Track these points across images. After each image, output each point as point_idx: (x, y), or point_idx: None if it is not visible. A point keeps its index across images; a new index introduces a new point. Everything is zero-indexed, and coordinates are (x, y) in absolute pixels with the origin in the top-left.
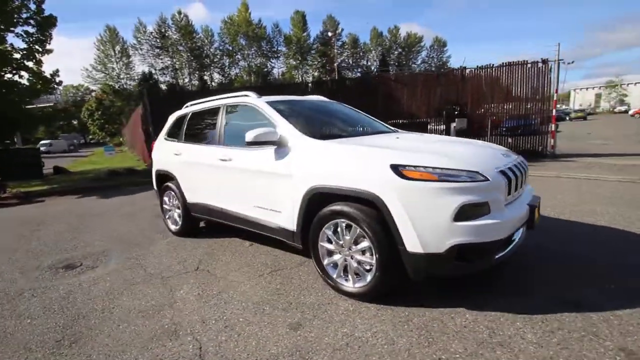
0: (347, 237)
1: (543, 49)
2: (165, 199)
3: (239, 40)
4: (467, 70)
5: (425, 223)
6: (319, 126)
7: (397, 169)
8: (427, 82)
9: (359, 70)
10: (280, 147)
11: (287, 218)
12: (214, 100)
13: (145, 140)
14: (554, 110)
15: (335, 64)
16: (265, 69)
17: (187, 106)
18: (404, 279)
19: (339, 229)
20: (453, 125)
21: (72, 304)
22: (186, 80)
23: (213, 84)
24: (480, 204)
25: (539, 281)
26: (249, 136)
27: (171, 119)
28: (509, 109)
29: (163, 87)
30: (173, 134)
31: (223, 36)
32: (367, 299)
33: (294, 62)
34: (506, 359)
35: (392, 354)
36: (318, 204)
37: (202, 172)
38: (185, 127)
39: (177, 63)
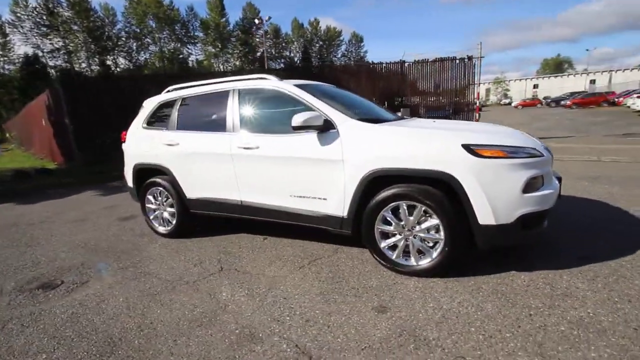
0: (411, 218)
1: (442, 48)
2: (150, 197)
3: (148, 22)
4: (406, 64)
5: (498, 196)
6: (357, 110)
7: (469, 148)
8: (371, 73)
9: (282, 61)
10: (324, 131)
11: (335, 205)
12: (212, 84)
13: (55, 134)
14: (477, 101)
15: (263, 52)
16: (181, 56)
17: (168, 91)
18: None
19: (400, 210)
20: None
21: (90, 327)
22: (83, 65)
23: (118, 69)
24: (540, 176)
25: (552, 244)
26: (297, 120)
27: (150, 105)
28: (440, 99)
29: (53, 72)
30: (157, 122)
31: (128, 16)
32: (429, 275)
33: (214, 50)
34: (579, 305)
35: (489, 318)
36: (375, 188)
37: (213, 163)
38: (178, 114)
39: (71, 45)
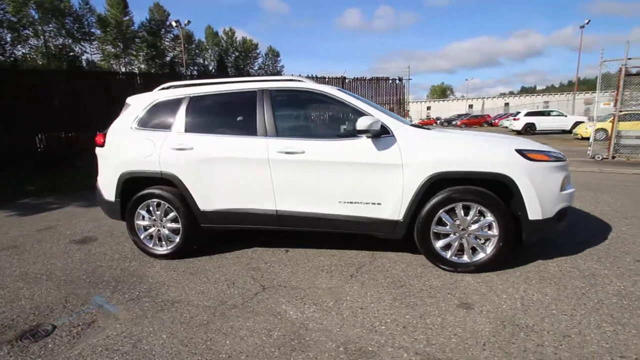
0: (468, 218)
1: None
2: (142, 212)
3: (29, 11)
4: (347, 80)
5: (544, 195)
6: (392, 115)
7: (522, 152)
8: None
9: (196, 68)
10: (378, 136)
11: (391, 209)
12: (226, 83)
13: None
14: (408, 118)
15: (174, 57)
16: (72, 53)
17: (163, 88)
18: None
19: (456, 211)
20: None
21: None
22: None
23: None
24: (567, 177)
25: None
26: (363, 124)
27: (140, 103)
28: None
29: None
30: (155, 124)
31: (1, 3)
32: (484, 269)
33: (114, 50)
34: (609, 281)
35: (559, 301)
36: (431, 191)
37: (242, 169)
38: (187, 115)
39: None
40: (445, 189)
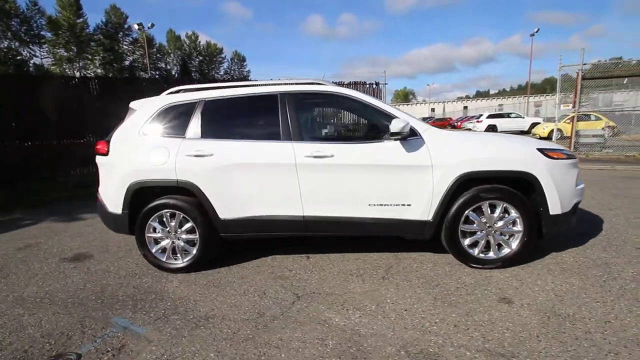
0: (494, 215)
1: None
2: (155, 224)
3: None
4: None
5: (563, 190)
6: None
7: (543, 151)
8: None
9: (158, 73)
10: (406, 138)
11: (421, 209)
12: (242, 86)
13: None
14: None
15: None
16: (19, 57)
17: (170, 92)
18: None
19: (483, 208)
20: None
21: None
22: None
23: None
24: (579, 173)
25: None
26: (396, 127)
27: (148, 108)
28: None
29: None
30: (167, 129)
31: None
32: (509, 264)
33: (67, 53)
34: (621, 268)
35: (586, 290)
36: (459, 190)
37: (267, 175)
38: (203, 120)
39: None
40: (472, 188)
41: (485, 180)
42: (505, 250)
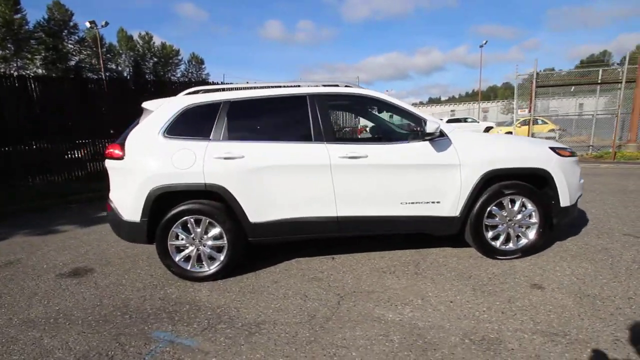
0: (515, 208)
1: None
2: (178, 232)
3: None
4: None
5: (571, 184)
6: None
7: (554, 149)
8: None
9: (108, 74)
10: (436, 138)
11: (450, 206)
12: (266, 87)
13: None
14: (358, 124)
15: (100, 59)
16: None
17: (189, 93)
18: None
19: (504, 203)
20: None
21: None
22: None
23: None
24: (580, 170)
25: None
26: (431, 128)
27: (167, 108)
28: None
29: None
30: (189, 131)
31: None
32: (527, 254)
33: (1, 52)
34: (625, 251)
35: (602, 273)
36: (482, 187)
37: (301, 176)
38: (229, 121)
39: None
40: (493, 185)
41: (506, 177)
42: (523, 241)
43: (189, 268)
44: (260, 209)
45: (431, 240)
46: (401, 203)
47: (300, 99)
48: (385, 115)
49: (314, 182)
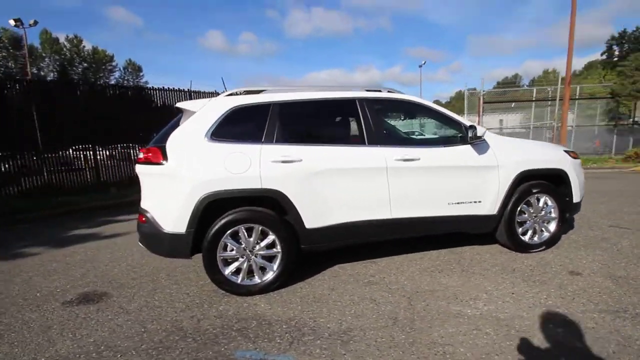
0: (540, 205)
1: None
2: (229, 242)
3: None
4: None
5: (581, 182)
6: None
7: (568, 152)
8: None
9: (27, 78)
10: (477, 142)
11: (489, 205)
12: (321, 91)
13: None
14: None
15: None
16: None
17: (236, 93)
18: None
19: (531, 201)
20: None
21: None
22: None
23: None
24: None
25: None
26: (480, 132)
27: (215, 110)
28: None
29: None
30: (238, 133)
31: None
32: (549, 245)
33: None
34: (623, 242)
35: (617, 257)
36: (515, 187)
37: (358, 180)
38: (280, 124)
39: None
40: (523, 184)
41: (532, 177)
42: (545, 235)
43: (239, 281)
44: (316, 214)
45: (458, 239)
46: (448, 203)
47: (350, 103)
48: (406, 121)
49: (371, 185)
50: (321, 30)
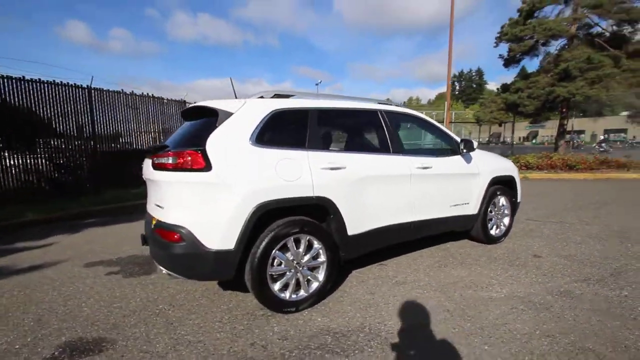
0: (500, 204)
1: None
2: (278, 255)
3: None
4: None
5: (520, 186)
6: None
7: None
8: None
9: None
10: (465, 153)
11: (473, 206)
12: (344, 100)
13: None
14: None
15: None
16: None
17: (266, 96)
18: None
19: (495, 201)
20: None
21: None
22: None
23: None
24: None
25: None
26: (475, 145)
27: (256, 113)
28: None
29: None
30: (282, 139)
31: None
32: (505, 237)
33: None
34: (592, 229)
35: (592, 244)
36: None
37: (390, 186)
38: (320, 130)
39: None
40: (491, 188)
41: (498, 182)
42: (503, 229)
43: (287, 297)
44: (357, 220)
45: (434, 239)
46: (450, 206)
47: (374, 113)
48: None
49: (399, 191)
50: (208, 38)
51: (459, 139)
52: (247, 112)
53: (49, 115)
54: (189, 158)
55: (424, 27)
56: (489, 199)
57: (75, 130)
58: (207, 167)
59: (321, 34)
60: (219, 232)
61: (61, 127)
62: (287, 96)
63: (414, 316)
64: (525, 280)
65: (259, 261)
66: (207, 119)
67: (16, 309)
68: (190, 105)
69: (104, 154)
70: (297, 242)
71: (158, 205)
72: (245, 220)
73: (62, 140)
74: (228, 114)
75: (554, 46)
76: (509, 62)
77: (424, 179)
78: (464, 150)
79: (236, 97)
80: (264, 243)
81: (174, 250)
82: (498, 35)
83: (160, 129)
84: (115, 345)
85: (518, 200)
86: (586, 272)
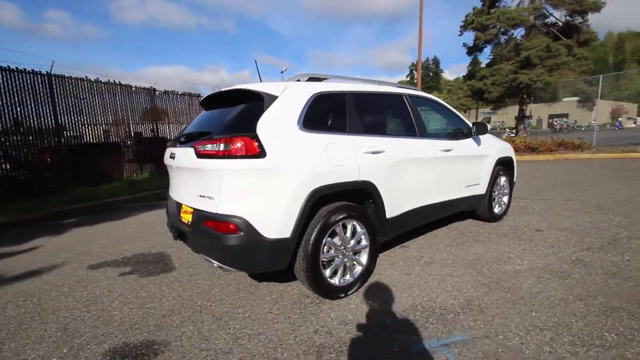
0: (501, 184)
1: None
2: (330, 240)
3: None
4: (157, 92)
5: (516, 167)
6: None
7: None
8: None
9: None
10: (477, 136)
11: (482, 186)
12: (372, 84)
13: None
14: None
15: None
16: None
17: (303, 79)
18: None
19: (498, 180)
20: None
21: None
22: None
23: None
24: None
25: None
26: (487, 128)
27: (300, 96)
28: None
29: None
30: (326, 123)
31: None
32: (506, 214)
33: None
34: (538, 204)
35: (565, 204)
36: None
37: (419, 169)
38: (357, 114)
39: None
40: (495, 168)
41: (501, 163)
42: (504, 206)
43: (337, 283)
44: (395, 202)
45: (444, 219)
46: (465, 186)
47: (399, 97)
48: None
49: (428, 173)
50: (157, 21)
51: (470, 123)
52: (291, 96)
53: (1, 104)
54: (242, 144)
55: (382, 15)
56: (494, 179)
57: (35, 122)
58: (262, 153)
59: (278, 18)
60: (277, 220)
61: (18, 118)
62: (321, 79)
63: (457, 292)
64: (538, 253)
65: (312, 248)
66: (248, 104)
67: (31, 320)
68: (225, 89)
69: (70, 147)
70: (344, 228)
71: (203, 196)
72: (301, 206)
73: (20, 133)
74: (273, 97)
75: (515, 35)
76: (472, 50)
77: (446, 161)
78: (476, 133)
79: (261, 81)
80: (316, 230)
81: (229, 241)
82: (462, 23)
83: (129, 120)
84: (169, 347)
85: (514, 180)
86: (587, 242)
